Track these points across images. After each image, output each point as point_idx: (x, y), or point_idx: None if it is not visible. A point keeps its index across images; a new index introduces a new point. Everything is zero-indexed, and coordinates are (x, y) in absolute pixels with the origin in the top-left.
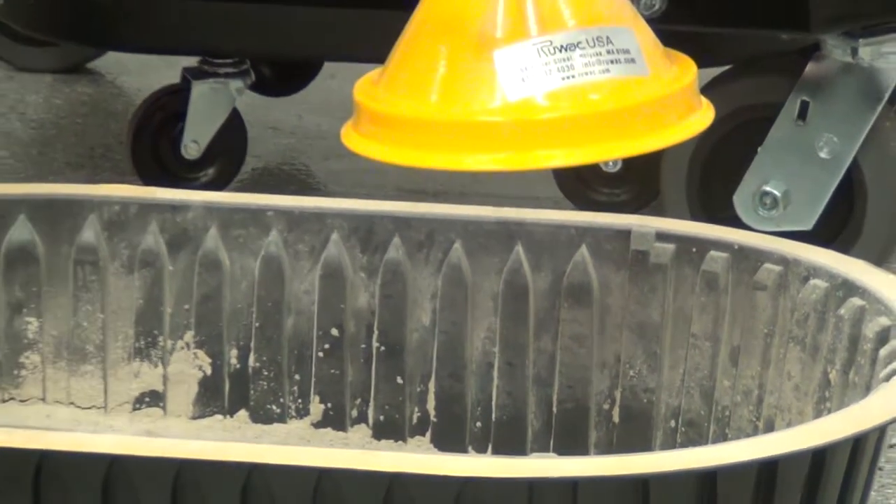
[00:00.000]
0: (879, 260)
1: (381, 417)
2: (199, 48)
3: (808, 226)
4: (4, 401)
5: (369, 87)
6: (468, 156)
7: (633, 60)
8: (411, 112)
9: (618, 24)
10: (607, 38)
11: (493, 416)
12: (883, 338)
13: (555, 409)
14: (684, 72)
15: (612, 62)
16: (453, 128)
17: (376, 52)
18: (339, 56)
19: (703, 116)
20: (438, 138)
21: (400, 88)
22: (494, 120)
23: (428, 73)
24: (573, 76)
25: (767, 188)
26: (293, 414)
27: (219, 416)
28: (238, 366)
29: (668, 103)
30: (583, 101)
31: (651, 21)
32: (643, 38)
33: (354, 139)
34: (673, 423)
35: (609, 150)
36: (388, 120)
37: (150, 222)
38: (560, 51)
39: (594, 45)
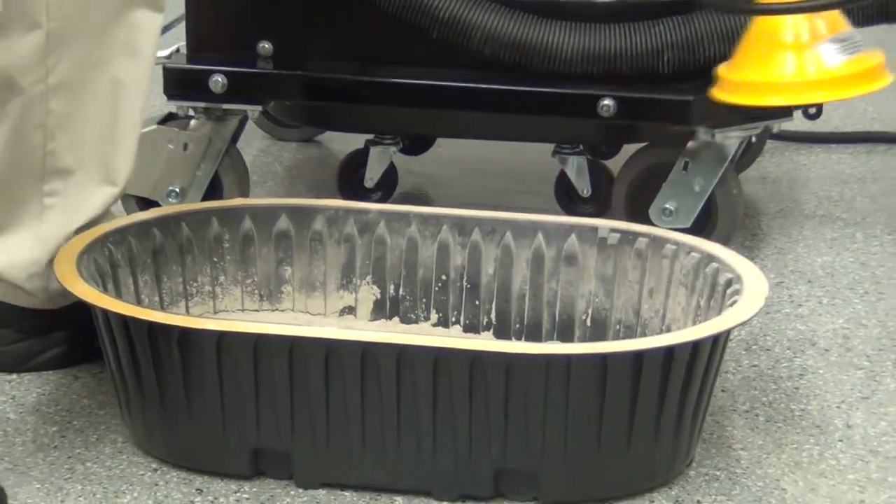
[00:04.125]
0: (724, 243)
1: (467, 322)
2: (374, 129)
3: (687, 225)
4: (272, 311)
5: (724, 69)
6: (801, 95)
7: (862, 45)
8: (759, 78)
9: (849, 28)
10: (853, 35)
11: (525, 321)
12: (728, 284)
13: (557, 319)
14: (879, 54)
15: (858, 47)
16: (789, 84)
17: (466, 133)
18: (446, 135)
19: (889, 77)
20: (776, 90)
21: (746, 67)
22: (825, 77)
23: (764, 60)
24: (848, 53)
25: (666, 206)
26: (421, 320)
27: (383, 320)
28: (393, 294)
29: (882, 67)
30: (860, 64)
31: (604, 119)
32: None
33: (720, 95)
34: (618, 328)
35: (869, 88)
36: (740, 83)
37: (349, 219)
38: (841, 42)
39: (848, 39)
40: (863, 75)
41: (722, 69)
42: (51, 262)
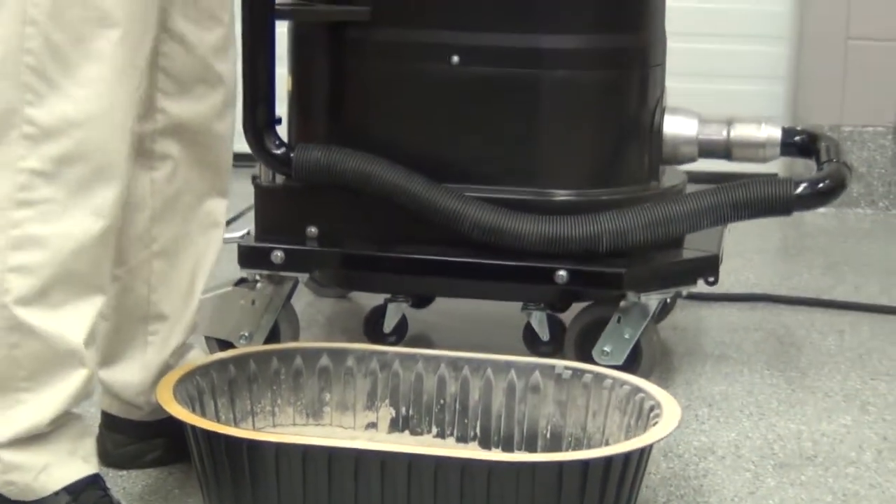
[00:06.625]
0: (647, 377)
1: (459, 435)
2: (390, 290)
3: (620, 363)
4: (315, 425)
5: None
6: None
7: None
8: None
9: None
10: None
11: (501, 435)
12: (651, 409)
13: (524, 433)
14: None
15: None
16: None
17: (458, 293)
18: (443, 294)
19: None
20: None
21: None
22: None
23: None
24: None
25: (605, 348)
26: (425, 433)
27: (397, 433)
28: (405, 413)
29: None
30: None
31: (559, 285)
32: None
33: None
34: (570, 440)
35: None
36: None
37: (373, 358)
38: None
39: None
40: None
41: None
42: (154, 382)
